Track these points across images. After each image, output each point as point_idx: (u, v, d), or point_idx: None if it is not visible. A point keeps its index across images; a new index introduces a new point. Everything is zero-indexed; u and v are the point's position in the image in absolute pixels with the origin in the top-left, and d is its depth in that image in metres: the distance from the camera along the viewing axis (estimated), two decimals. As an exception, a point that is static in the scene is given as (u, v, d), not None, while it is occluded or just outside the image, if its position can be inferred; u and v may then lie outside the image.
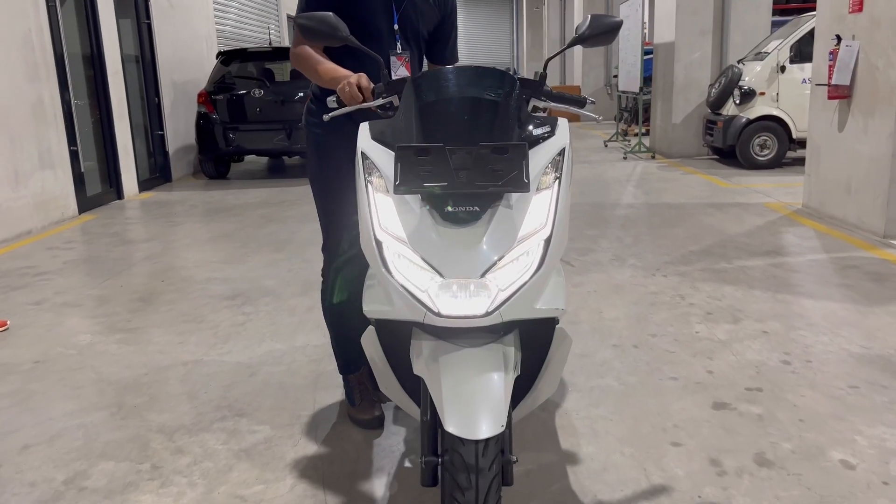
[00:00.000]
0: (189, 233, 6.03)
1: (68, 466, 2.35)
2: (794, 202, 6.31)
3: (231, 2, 12.01)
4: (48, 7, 6.55)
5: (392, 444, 2.43)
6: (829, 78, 5.40)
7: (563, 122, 1.90)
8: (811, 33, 8.21)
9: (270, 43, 13.47)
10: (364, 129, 1.91)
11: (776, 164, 8.43)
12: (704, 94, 9.51)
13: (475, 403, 1.59)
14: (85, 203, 7.09)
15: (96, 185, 7.54)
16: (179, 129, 9.51)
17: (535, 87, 2.06)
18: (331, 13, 1.99)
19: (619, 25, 1.99)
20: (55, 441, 2.52)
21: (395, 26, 2.31)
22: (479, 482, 1.56)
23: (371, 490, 2.17)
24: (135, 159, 8.21)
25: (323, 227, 2.49)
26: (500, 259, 1.63)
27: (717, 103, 8.76)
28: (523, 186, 1.62)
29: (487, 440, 1.57)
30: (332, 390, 2.84)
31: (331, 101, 2.11)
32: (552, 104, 2.10)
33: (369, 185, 1.78)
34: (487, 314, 1.62)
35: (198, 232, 6.06)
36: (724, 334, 3.32)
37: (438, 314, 1.62)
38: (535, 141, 1.81)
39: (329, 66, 2.20)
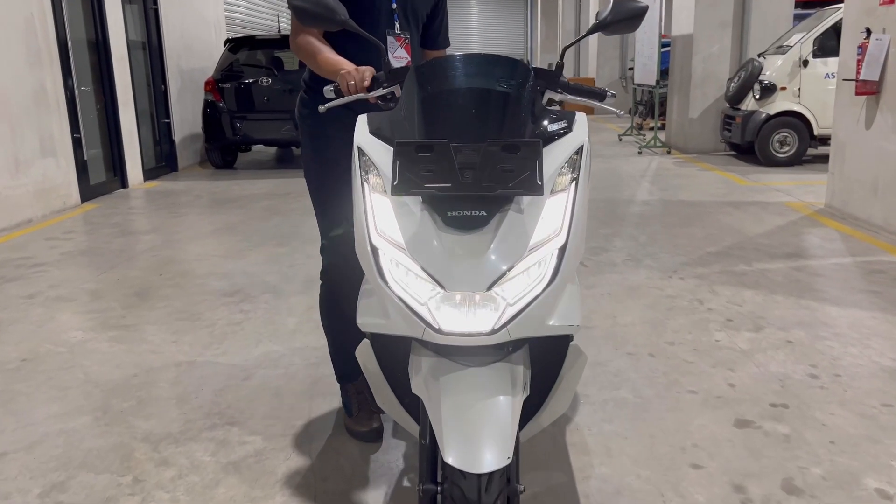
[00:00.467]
0: (191, 224, 5.88)
1: (46, 477, 2.21)
2: (816, 202, 6.09)
3: (241, -12, 11.85)
4: (51, -9, 6.41)
5: (390, 459, 2.27)
6: (858, 73, 5.18)
7: (581, 118, 1.73)
8: (835, 27, 7.97)
9: (280, 30, 13.30)
10: (362, 121, 1.74)
11: (796, 161, 8.20)
12: (723, 88, 9.28)
13: (478, 431, 1.43)
14: (87, 192, 6.96)
15: (100, 173, 7.41)
16: (186, 117, 9.37)
17: (551, 77, 1.88)
18: None
19: (643, 11, 1.81)
20: (35, 448, 2.37)
21: (394, 5, 2.16)
22: None
23: (366, 512, 2.01)
24: (140, 147, 8.08)
25: (321, 226, 2.33)
26: (508, 270, 1.46)
27: (735, 98, 8.53)
28: (536, 189, 1.44)
29: (492, 473, 1.40)
30: (330, 397, 2.68)
31: (328, 90, 1.95)
32: (569, 97, 1.92)
33: (365, 185, 1.61)
34: (494, 332, 1.45)
35: (200, 224, 5.92)
36: (746, 343, 3.14)
37: (439, 330, 1.45)
38: (550, 138, 1.64)
39: (330, 58, 2.04)
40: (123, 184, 7.73)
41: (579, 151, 1.63)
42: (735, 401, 2.61)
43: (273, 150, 11.07)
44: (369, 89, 1.90)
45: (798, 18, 9.53)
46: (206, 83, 8.81)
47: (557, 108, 1.94)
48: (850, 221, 5.35)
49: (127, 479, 2.18)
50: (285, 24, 14.21)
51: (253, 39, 9.46)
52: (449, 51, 2.38)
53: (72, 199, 6.67)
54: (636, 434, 2.39)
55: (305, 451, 2.33)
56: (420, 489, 1.56)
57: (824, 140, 8.22)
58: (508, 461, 1.39)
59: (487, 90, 1.65)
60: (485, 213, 1.48)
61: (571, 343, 1.64)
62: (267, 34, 11.04)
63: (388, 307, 1.51)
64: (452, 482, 1.43)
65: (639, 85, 11.33)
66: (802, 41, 8.07)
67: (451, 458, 1.39)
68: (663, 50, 10.31)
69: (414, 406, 1.75)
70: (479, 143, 1.47)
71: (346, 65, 1.93)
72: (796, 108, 8.10)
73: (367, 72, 1.86)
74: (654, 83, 10.19)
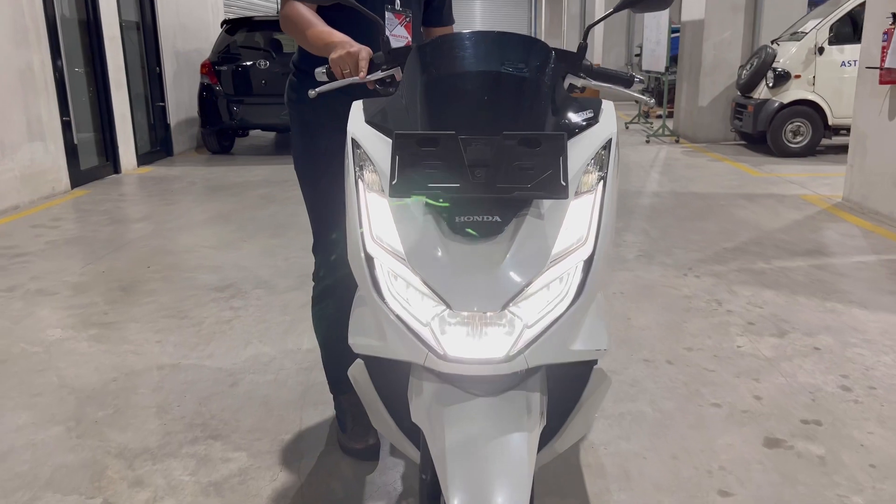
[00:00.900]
0: (184, 213, 5.66)
1: (8, 498, 2.00)
2: (833, 195, 5.86)
3: (240, -32, 11.56)
4: (39, -33, 6.15)
5: (387, 481, 2.06)
6: (882, 61, 4.93)
7: (608, 106, 1.50)
8: (851, 13, 7.71)
9: (279, 11, 13.00)
10: (357, 108, 1.52)
11: (809, 152, 7.95)
12: (734, 75, 9.01)
13: (489, 472, 1.22)
14: (78, 177, 6.73)
15: (91, 157, 7.18)
16: (182, 101, 9.12)
17: (573, 60, 1.65)
18: None
19: None
20: (-2, 463, 2.17)
21: None
22: None
23: (359, 545, 1.81)
24: (133, 131, 7.84)
25: (313, 225, 2.11)
26: (527, 286, 1.24)
27: (748, 86, 8.27)
28: (560, 191, 1.22)
29: None
30: (322, 408, 2.47)
31: (319, 72, 1.72)
32: (593, 82, 1.69)
33: (360, 182, 1.39)
34: (508, 359, 1.23)
35: (193, 212, 5.69)
36: (770, 350, 2.92)
37: (444, 356, 1.24)
38: (575, 130, 1.42)
39: (321, 30, 1.80)
40: (116, 169, 7.50)
41: (607, 146, 1.41)
42: (763, 416, 2.40)
43: (271, 135, 10.81)
44: (368, 72, 1.68)
45: (813, 4, 9.25)
46: (203, 66, 8.56)
47: (579, 94, 1.72)
48: (870, 216, 5.12)
49: (96, 502, 1.98)
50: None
51: (251, 21, 9.20)
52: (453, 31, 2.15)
53: (61, 185, 6.44)
54: (657, 454, 2.19)
55: (294, 470, 2.12)
56: None
57: (838, 130, 7.99)
58: None
59: (502, 74, 1.43)
60: (499, 219, 1.26)
61: (595, 366, 1.42)
62: (265, 15, 10.75)
63: (384, 326, 1.30)
64: None
65: (646, 71, 11.05)
66: (818, 27, 7.79)
67: (455, 502, 1.18)
68: (672, 36, 10.03)
69: (415, 431, 1.53)
70: (493, 135, 1.25)
71: (340, 38, 1.70)
72: (811, 96, 7.84)
73: (364, 52, 1.63)
74: (662, 70, 9.92)
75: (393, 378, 1.46)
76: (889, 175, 5.04)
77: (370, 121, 1.47)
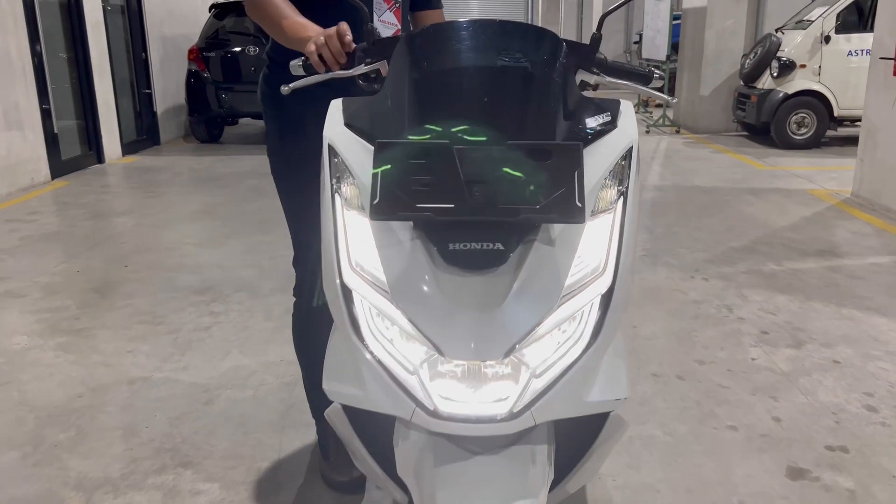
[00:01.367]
0: (168, 206, 5.43)
1: (-50, 539, 1.80)
2: (842, 190, 5.66)
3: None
4: (16, -53, 5.88)
5: (374, 519, 1.86)
6: (897, 51, 4.72)
7: (627, 108, 1.29)
8: (857, 2, 7.49)
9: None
10: (336, 107, 1.31)
11: (814, 144, 7.75)
12: (736, 64, 8.79)
13: None
14: (59, 167, 6.48)
15: (74, 147, 6.92)
16: (169, 88, 8.85)
17: (586, 53, 1.44)
18: None
19: None
20: (-56, 496, 1.96)
21: None
22: None
23: None
24: (118, 119, 7.57)
25: (293, 235, 1.90)
26: (534, 328, 1.03)
27: (751, 75, 8.04)
28: (575, 213, 1.01)
29: None
30: (304, 430, 2.27)
31: (294, 65, 1.50)
32: (607, 79, 1.48)
33: (337, 197, 1.18)
34: (512, 416, 1.03)
35: (177, 205, 5.46)
36: (787, 363, 2.73)
37: (434, 413, 1.03)
38: (590, 136, 1.21)
39: (296, 21, 1.58)
40: (100, 158, 7.25)
41: (628, 155, 1.20)
42: (784, 441, 2.21)
43: (261, 123, 10.51)
44: (348, 64, 1.46)
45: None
46: (190, 52, 8.29)
47: (592, 91, 1.51)
48: (881, 213, 4.93)
49: (48, 545, 1.77)
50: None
51: (240, 5, 8.90)
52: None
53: (41, 176, 6.19)
54: (670, 486, 1.99)
55: (271, 505, 1.92)
56: None
57: (843, 122, 7.78)
58: None
59: (506, 70, 1.21)
60: (501, 247, 1.05)
61: (612, 412, 1.22)
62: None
63: (363, 373, 1.09)
64: None
65: (646, 60, 10.81)
66: (824, 16, 7.57)
67: None
68: (673, 23, 9.78)
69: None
70: (496, 145, 1.04)
71: (316, 31, 1.47)
72: (816, 87, 7.62)
73: (346, 38, 1.40)
74: (663, 58, 9.68)
75: (376, 422, 1.25)
76: (902, 170, 4.85)
77: (350, 123, 1.26)
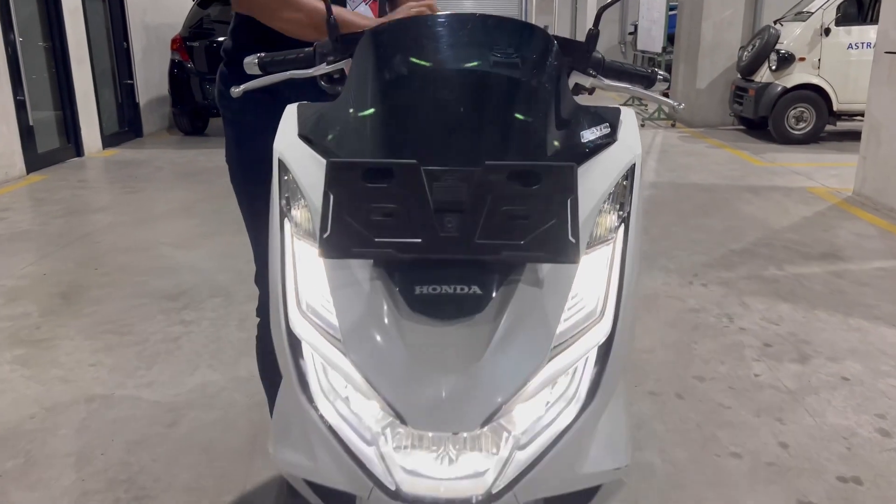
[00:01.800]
0: (145, 203, 5.22)
1: None
2: (843, 188, 5.50)
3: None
4: (-13, -69, 5.64)
5: (344, 565, 1.69)
6: (903, 45, 4.54)
7: (628, 116, 1.11)
8: (859, -8, 7.32)
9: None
10: (290, 114, 1.12)
11: (812, 139, 7.58)
12: (733, 57, 8.61)
13: None
14: (35, 161, 6.26)
15: (51, 139, 6.70)
16: (152, 79, 8.61)
17: (581, 53, 1.25)
18: None
19: None
20: None
21: None
22: None
23: None
24: (98, 111, 7.34)
25: (255, 250, 1.73)
26: (519, 390, 0.85)
27: (749, 68, 7.86)
28: (568, 252, 0.83)
29: None
30: (274, 457, 2.08)
31: (249, 63, 1.32)
32: (605, 82, 1.29)
33: (286, 223, 1.00)
34: (491, 499, 0.85)
35: (155, 202, 5.26)
36: (792, 380, 2.56)
37: (396, 494, 0.85)
38: (586, 152, 1.03)
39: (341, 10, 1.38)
40: (79, 151, 7.02)
41: (629, 174, 1.02)
42: (792, 471, 2.04)
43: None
44: (308, 63, 1.28)
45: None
46: (173, 41, 8.05)
47: (586, 95, 1.32)
48: (885, 213, 4.77)
49: None
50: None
51: (225, -7, 8.66)
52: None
53: (15, 170, 5.97)
54: (670, 525, 1.82)
55: (232, 548, 1.74)
56: None
57: (842, 116, 7.62)
58: None
59: (486, 74, 1.03)
60: (478, 290, 0.87)
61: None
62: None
63: (312, 441, 0.91)
64: None
65: (641, 52, 10.63)
66: (824, 7, 7.38)
67: None
68: (669, 13, 9.59)
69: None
70: (472, 166, 0.86)
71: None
72: (815, 80, 7.45)
73: None
74: (659, 50, 9.50)
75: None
76: (906, 169, 4.68)
77: (305, 135, 1.07)
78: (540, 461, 0.86)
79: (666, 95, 1.41)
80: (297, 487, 1.09)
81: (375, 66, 1.06)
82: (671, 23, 9.75)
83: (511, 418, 0.87)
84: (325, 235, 0.84)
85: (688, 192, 5.45)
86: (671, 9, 9.72)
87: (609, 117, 1.09)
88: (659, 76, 1.34)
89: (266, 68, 1.31)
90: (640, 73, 1.33)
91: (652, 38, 9.69)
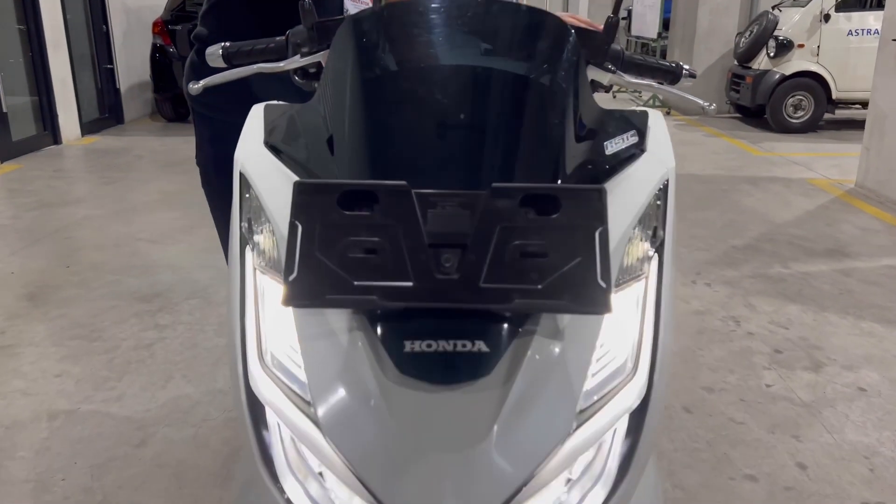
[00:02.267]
0: (123, 194, 5.00)
1: None
2: (844, 179, 5.35)
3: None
4: None
5: None
6: (912, 32, 4.38)
7: (657, 121, 0.94)
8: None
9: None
10: (255, 117, 0.95)
11: (810, 128, 7.43)
12: (730, 43, 8.43)
13: None
14: (9, 149, 6.01)
15: (27, 126, 6.44)
16: (134, 64, 8.33)
17: (598, 45, 1.08)
18: None
19: None
20: None
21: None
22: None
23: None
24: (76, 97, 7.07)
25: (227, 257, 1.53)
26: (534, 474, 0.68)
27: (746, 55, 7.69)
28: (597, 299, 0.66)
29: None
30: (251, 483, 1.91)
31: (212, 53, 1.14)
32: (626, 77, 1.12)
33: (247, 253, 0.82)
34: None
35: (134, 193, 5.04)
36: (806, 391, 2.41)
37: None
38: (609, 168, 0.85)
39: None
40: (56, 139, 6.76)
41: (663, 192, 0.85)
42: (813, 497, 1.89)
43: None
44: (279, 54, 1.10)
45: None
46: (154, 24, 7.78)
47: (604, 94, 1.14)
48: (889, 206, 4.62)
49: None
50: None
51: (209, -25, 8.38)
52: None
53: (-12, 159, 5.73)
54: (684, 561, 1.67)
55: (201, 592, 1.57)
56: None
57: (840, 105, 7.47)
58: None
59: (493, 72, 0.85)
60: (484, 347, 0.69)
61: None
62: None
63: (279, 530, 0.73)
64: None
65: (636, 37, 10.42)
66: (825, -8, 7.22)
67: None
68: (665, -1, 9.38)
69: None
70: (475, 187, 0.69)
71: None
72: (814, 68, 7.29)
73: None
74: (654, 36, 9.30)
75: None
76: (912, 161, 4.54)
77: (272, 142, 0.89)
78: (559, 559, 0.69)
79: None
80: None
81: (356, 60, 0.88)
82: (667, 7, 9.56)
83: (526, 505, 0.70)
84: (292, 277, 0.67)
85: (686, 184, 5.29)
86: (666, -7, 9.53)
87: (636, 122, 0.92)
88: (684, 70, 1.17)
89: (231, 60, 1.12)
90: (664, 68, 1.16)
91: (647, 24, 9.49)
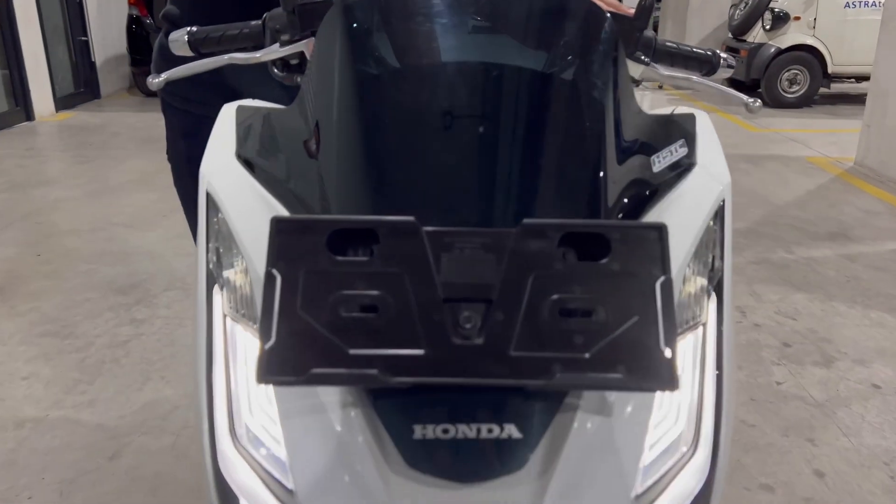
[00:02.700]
0: (98, 174, 4.79)
1: None
2: (843, 157, 5.24)
3: None
4: None
5: None
6: (919, 6, 4.23)
7: (704, 125, 0.79)
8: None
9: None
10: (226, 121, 0.79)
11: (805, 103, 7.31)
12: (724, 16, 8.26)
13: None
14: (-21, 127, 5.77)
15: (-2, 102, 6.19)
16: (110, 36, 8.03)
17: (629, 31, 0.92)
18: None
19: None
20: None
21: None
22: None
23: None
24: (49, 71, 6.80)
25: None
26: None
27: (741, 28, 7.53)
28: (661, 372, 0.51)
29: None
30: (233, 500, 1.78)
31: (177, 40, 0.97)
32: (660, 71, 0.97)
33: (216, 298, 0.67)
34: None
35: (110, 173, 4.83)
36: (818, 388, 2.30)
37: None
38: (658, 186, 0.70)
39: None
40: (29, 115, 6.50)
41: (719, 215, 0.70)
42: (833, 509, 1.78)
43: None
44: (258, 41, 0.93)
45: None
46: (130, -6, 7.49)
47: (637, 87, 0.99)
48: (891, 186, 4.51)
49: None
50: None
51: (186, -58, 8.06)
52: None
53: (-44, 137, 5.49)
54: (701, 586, 1.55)
55: None
56: None
57: (835, 78, 7.35)
58: None
59: (516, 70, 0.69)
60: (516, 433, 0.55)
61: None
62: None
63: None
64: None
65: (627, 8, 10.20)
66: (822, -37, 7.04)
67: None
68: (658, -31, 9.17)
69: None
70: (500, 224, 0.53)
71: None
72: (810, 41, 7.14)
73: None
74: (646, 7, 9.08)
75: None
76: (915, 140, 4.42)
77: (245, 155, 0.74)
78: None
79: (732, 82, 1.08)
80: None
81: (347, 54, 0.72)
82: (659, -22, 9.35)
83: None
84: (269, 345, 0.51)
85: (682, 163, 5.15)
86: (659, -37, 9.31)
87: (684, 128, 0.77)
88: (722, 60, 1.02)
89: (198, 48, 0.96)
90: (700, 57, 1.01)
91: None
